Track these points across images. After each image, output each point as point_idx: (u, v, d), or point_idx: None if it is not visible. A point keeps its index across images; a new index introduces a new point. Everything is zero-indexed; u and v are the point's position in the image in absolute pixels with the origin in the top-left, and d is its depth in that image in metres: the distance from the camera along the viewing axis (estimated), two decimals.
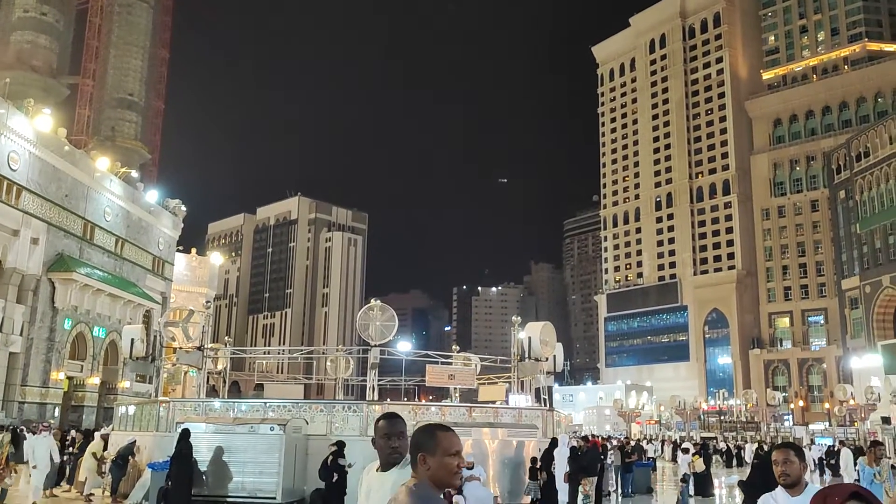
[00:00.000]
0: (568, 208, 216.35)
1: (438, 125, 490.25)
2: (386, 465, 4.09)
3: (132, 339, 25.97)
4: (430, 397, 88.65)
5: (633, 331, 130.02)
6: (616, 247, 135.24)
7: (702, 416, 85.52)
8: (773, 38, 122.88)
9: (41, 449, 18.19)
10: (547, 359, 20.41)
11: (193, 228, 74.78)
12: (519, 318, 21.31)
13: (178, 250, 72.10)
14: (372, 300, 20.26)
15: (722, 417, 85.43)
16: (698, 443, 37.27)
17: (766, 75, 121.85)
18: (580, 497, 14.34)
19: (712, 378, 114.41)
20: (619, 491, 20.63)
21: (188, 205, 71.81)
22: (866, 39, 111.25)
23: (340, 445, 15.87)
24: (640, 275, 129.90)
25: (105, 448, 20.50)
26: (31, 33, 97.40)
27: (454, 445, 3.36)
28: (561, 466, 15.80)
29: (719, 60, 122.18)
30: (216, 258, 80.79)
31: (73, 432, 27.13)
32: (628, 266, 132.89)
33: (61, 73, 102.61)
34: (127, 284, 58.10)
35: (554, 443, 15.32)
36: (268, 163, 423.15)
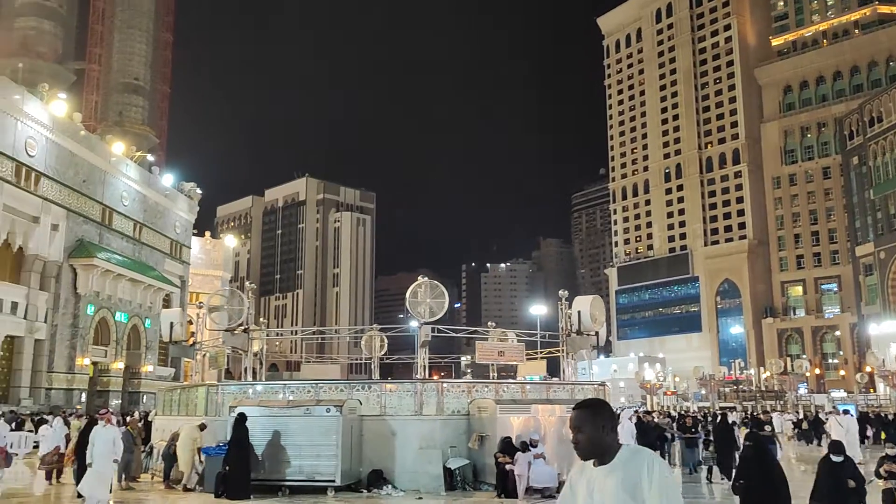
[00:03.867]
0: (576, 182, 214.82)
1: (444, 102, 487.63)
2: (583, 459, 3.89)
3: (171, 323, 25.78)
4: (442, 374, 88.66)
5: (644, 303, 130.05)
6: (626, 219, 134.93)
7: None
8: (781, 3, 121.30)
9: (101, 443, 14.34)
10: (597, 333, 20.28)
11: (202, 212, 74.74)
12: (566, 292, 21.13)
13: (193, 234, 72.01)
14: (419, 277, 20.09)
15: (738, 387, 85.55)
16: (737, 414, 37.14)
17: (776, 42, 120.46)
18: None
19: (725, 348, 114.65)
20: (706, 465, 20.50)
21: None
22: (877, 2, 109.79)
23: None
24: (650, 247, 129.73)
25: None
26: (35, 19, 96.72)
27: None
28: (626, 441, 15.66)
29: (727, 28, 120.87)
30: (230, 240, 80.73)
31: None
32: (638, 238, 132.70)
33: (67, 59, 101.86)
34: (146, 269, 58.06)
35: (725, 419, 15.13)
36: (275, 144, 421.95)
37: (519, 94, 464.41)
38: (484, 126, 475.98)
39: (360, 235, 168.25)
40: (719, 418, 20.73)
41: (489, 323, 26.97)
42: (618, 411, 22.13)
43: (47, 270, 47.76)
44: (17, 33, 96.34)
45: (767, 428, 18.20)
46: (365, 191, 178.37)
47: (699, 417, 28.81)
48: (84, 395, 50.39)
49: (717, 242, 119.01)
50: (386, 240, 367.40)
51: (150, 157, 67.00)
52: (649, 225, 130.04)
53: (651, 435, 14.65)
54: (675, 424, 20.74)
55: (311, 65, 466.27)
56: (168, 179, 65.60)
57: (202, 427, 18.80)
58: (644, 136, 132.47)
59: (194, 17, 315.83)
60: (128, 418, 27.84)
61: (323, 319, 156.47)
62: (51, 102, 48.75)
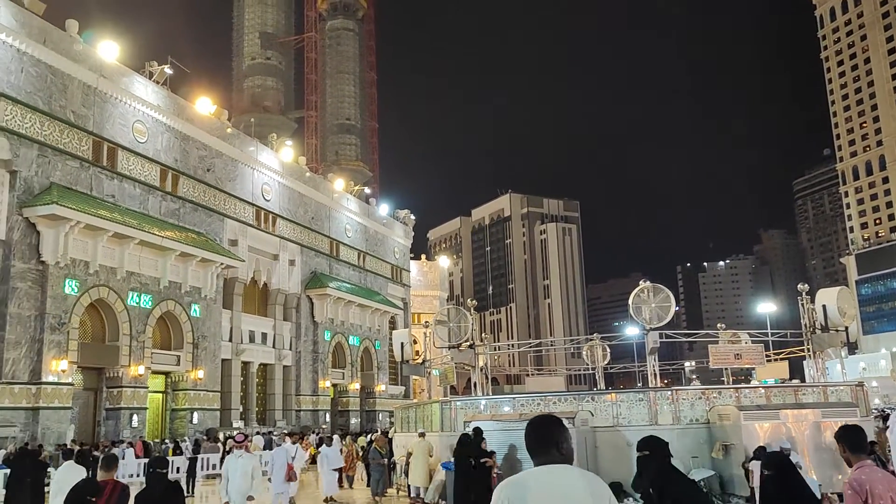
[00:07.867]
0: (796, 167, 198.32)
1: (641, 101, 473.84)
2: None
3: (402, 344, 27.19)
4: (666, 381, 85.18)
5: (893, 292, 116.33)
6: (860, 201, 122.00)
7: None
8: None
9: (236, 477, 11.88)
10: (846, 328, 18.45)
11: (416, 236, 78.37)
12: (806, 285, 19.48)
13: (410, 257, 75.67)
14: (641, 282, 19.51)
15: None
16: None
17: None
18: None
19: None
20: None
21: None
22: None
23: None
24: (893, 229, 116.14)
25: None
26: (260, 78, 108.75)
27: None
28: None
29: None
30: (444, 261, 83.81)
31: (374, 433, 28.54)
32: (878, 221, 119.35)
33: (288, 110, 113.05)
34: (372, 294, 61.99)
35: None
36: (476, 163, 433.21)
37: (719, 83, 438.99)
38: (690, 122, 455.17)
39: (567, 245, 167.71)
40: None
41: (718, 325, 25.52)
42: (884, 413, 19.95)
43: (288, 302, 52.56)
44: (248, 92, 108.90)
45: None
46: (568, 200, 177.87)
47: None
48: (328, 416, 54.63)
49: None
50: (594, 247, 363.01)
51: (366, 190, 71.83)
52: (889, 205, 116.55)
53: None
54: None
55: (499, 78, 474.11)
56: (384, 209, 69.79)
57: (421, 435, 19.44)
58: (874, 107, 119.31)
59: (389, 50, 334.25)
60: (373, 435, 30.03)
61: (537, 331, 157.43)
62: (280, 150, 53.99)
